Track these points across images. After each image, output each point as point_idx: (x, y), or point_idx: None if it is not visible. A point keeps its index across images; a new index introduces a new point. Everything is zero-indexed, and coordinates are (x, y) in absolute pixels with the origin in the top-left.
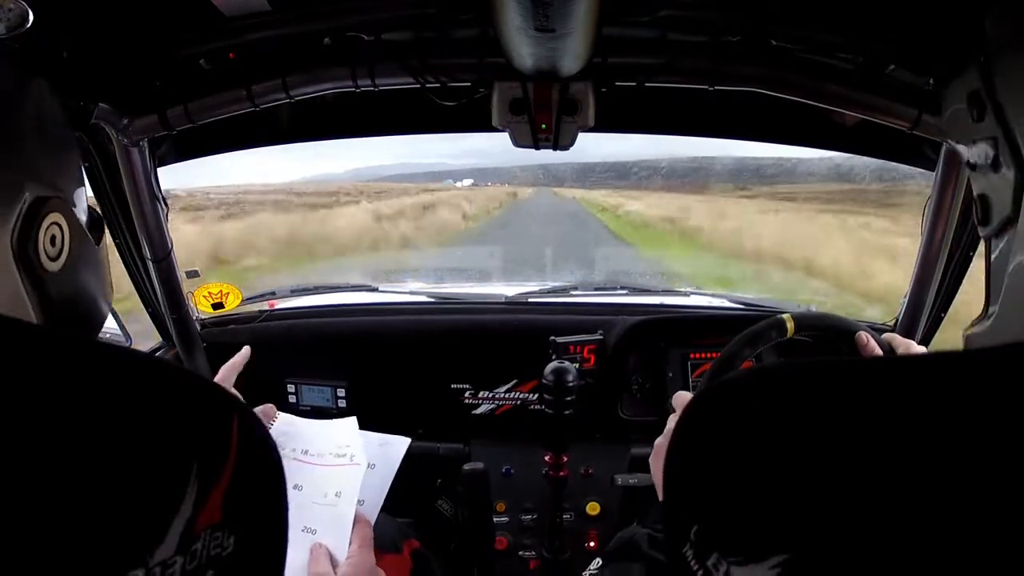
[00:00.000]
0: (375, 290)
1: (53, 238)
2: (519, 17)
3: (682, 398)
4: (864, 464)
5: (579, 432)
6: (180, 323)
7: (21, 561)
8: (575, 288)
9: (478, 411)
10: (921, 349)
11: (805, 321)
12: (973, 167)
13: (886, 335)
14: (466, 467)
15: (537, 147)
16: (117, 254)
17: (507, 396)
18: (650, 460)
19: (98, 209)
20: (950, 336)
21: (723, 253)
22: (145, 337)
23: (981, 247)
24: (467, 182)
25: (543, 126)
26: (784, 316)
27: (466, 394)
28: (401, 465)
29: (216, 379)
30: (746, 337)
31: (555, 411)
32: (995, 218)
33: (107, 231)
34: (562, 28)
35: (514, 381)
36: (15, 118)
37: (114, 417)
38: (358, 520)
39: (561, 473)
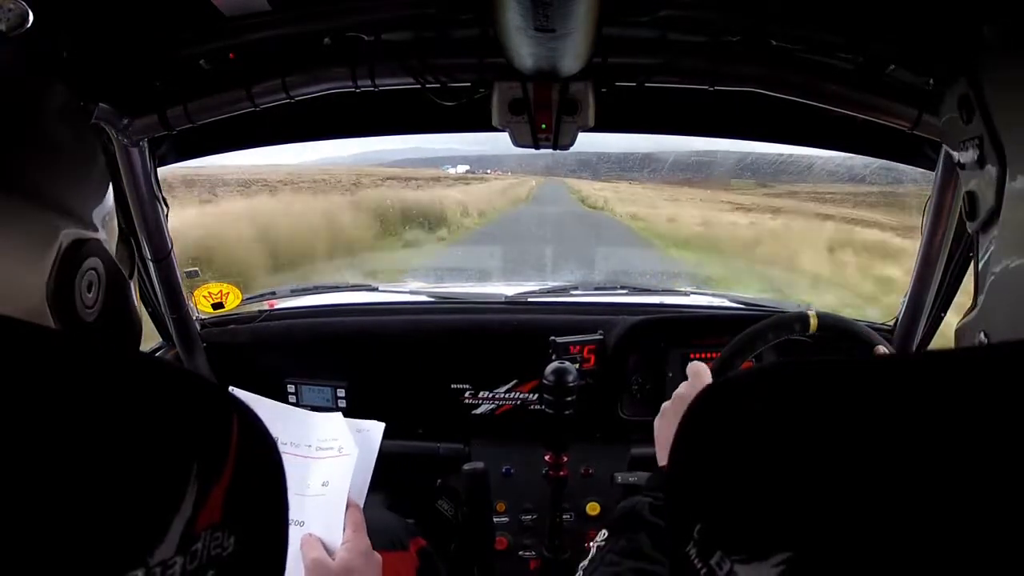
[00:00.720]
0: (375, 290)
1: (90, 284)
2: (519, 17)
3: (695, 367)
4: (867, 462)
5: (579, 432)
6: (180, 323)
7: (21, 561)
8: (575, 288)
9: (478, 411)
10: None
11: (828, 322)
12: (962, 166)
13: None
14: (466, 467)
15: (537, 147)
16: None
17: (507, 396)
18: (655, 423)
19: (126, 226)
20: (950, 336)
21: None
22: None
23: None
24: (461, 168)
25: (543, 126)
26: (810, 312)
27: (466, 394)
28: (401, 465)
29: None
30: (771, 322)
31: (555, 411)
32: (981, 211)
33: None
34: (562, 28)
35: (514, 381)
36: (50, 153)
37: (114, 417)
38: (348, 505)
39: (561, 473)
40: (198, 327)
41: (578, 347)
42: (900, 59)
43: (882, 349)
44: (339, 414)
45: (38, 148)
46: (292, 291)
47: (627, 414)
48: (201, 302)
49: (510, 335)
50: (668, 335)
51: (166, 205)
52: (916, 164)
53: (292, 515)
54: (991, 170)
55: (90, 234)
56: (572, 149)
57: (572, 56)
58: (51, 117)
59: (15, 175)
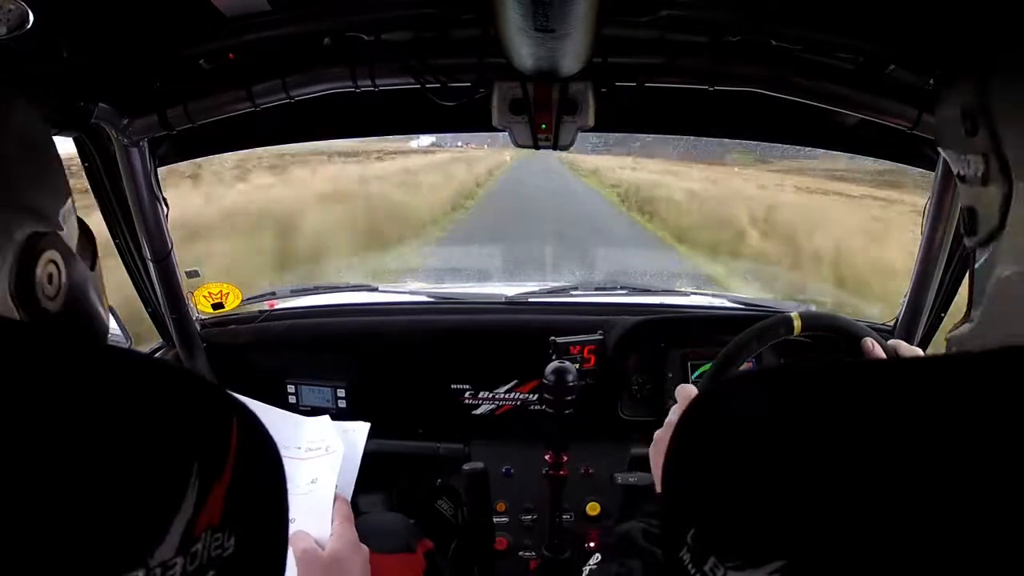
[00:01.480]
0: (375, 290)
1: (51, 276)
2: (519, 17)
3: (685, 391)
4: (863, 469)
5: (579, 432)
6: (180, 323)
7: (21, 561)
8: (575, 288)
9: (478, 411)
10: None
11: (812, 321)
12: (963, 179)
13: (892, 342)
14: (466, 467)
15: (537, 147)
16: (117, 254)
17: (507, 396)
18: (649, 451)
19: (86, 225)
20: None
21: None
22: (145, 337)
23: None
24: (425, 141)
25: (543, 126)
26: (792, 314)
27: (466, 394)
28: (401, 465)
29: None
30: (754, 331)
31: (555, 411)
32: (981, 230)
33: (98, 249)
34: (562, 28)
35: (514, 381)
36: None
37: (114, 418)
38: (336, 499)
39: (561, 473)
40: (198, 327)
41: (578, 347)
42: (900, 59)
43: (870, 342)
44: (327, 417)
45: None
46: (292, 291)
47: (627, 414)
48: (201, 302)
49: (510, 335)
50: (668, 335)
51: (166, 205)
52: (916, 164)
53: None
54: (995, 188)
55: (46, 228)
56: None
57: (572, 56)
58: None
59: None
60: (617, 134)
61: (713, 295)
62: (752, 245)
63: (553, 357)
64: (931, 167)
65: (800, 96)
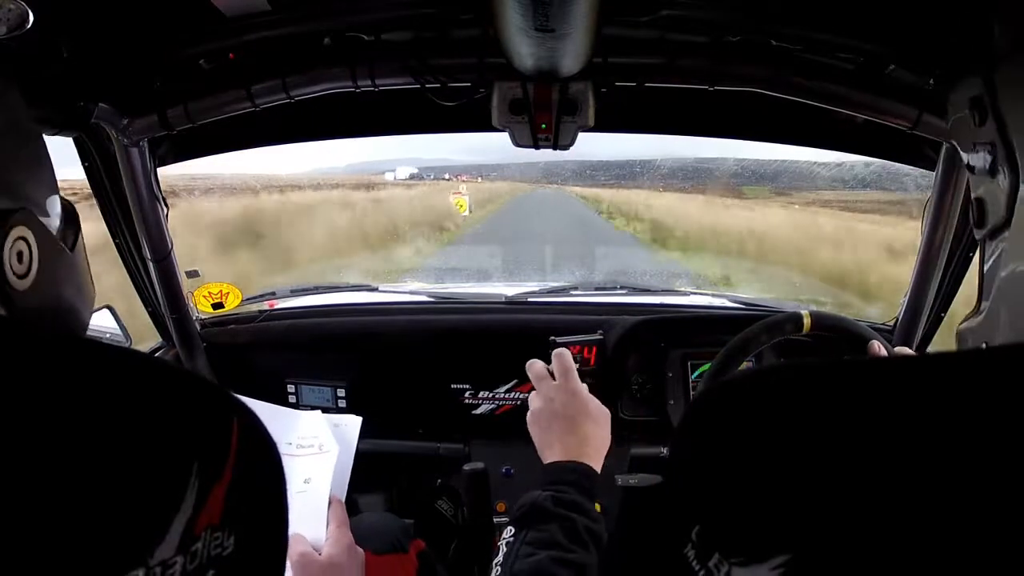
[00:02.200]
0: (375, 290)
1: (20, 254)
2: (519, 17)
3: (535, 367)
4: (867, 464)
5: None
6: (180, 323)
7: (21, 561)
8: (575, 288)
9: (478, 411)
10: None
11: (822, 320)
12: (972, 170)
13: (899, 348)
14: (466, 467)
15: (537, 147)
16: (117, 254)
17: (507, 396)
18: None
19: (72, 205)
20: (949, 336)
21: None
22: (145, 337)
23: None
24: (404, 173)
25: (543, 126)
26: (803, 312)
27: (466, 394)
28: (401, 465)
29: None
30: (764, 325)
31: None
32: (990, 221)
33: (82, 235)
34: (562, 28)
35: (514, 381)
36: None
37: (114, 418)
38: (331, 501)
39: None
40: (198, 327)
41: (578, 347)
42: (900, 59)
43: (876, 345)
44: (318, 412)
45: None
46: (292, 291)
47: (627, 414)
48: (201, 302)
49: (510, 335)
50: (668, 335)
51: (166, 205)
52: (916, 164)
53: None
54: (1003, 178)
55: (16, 205)
56: (573, 155)
57: (572, 56)
58: None
59: None
60: (627, 169)
61: (713, 295)
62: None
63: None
64: (931, 167)
65: (800, 96)
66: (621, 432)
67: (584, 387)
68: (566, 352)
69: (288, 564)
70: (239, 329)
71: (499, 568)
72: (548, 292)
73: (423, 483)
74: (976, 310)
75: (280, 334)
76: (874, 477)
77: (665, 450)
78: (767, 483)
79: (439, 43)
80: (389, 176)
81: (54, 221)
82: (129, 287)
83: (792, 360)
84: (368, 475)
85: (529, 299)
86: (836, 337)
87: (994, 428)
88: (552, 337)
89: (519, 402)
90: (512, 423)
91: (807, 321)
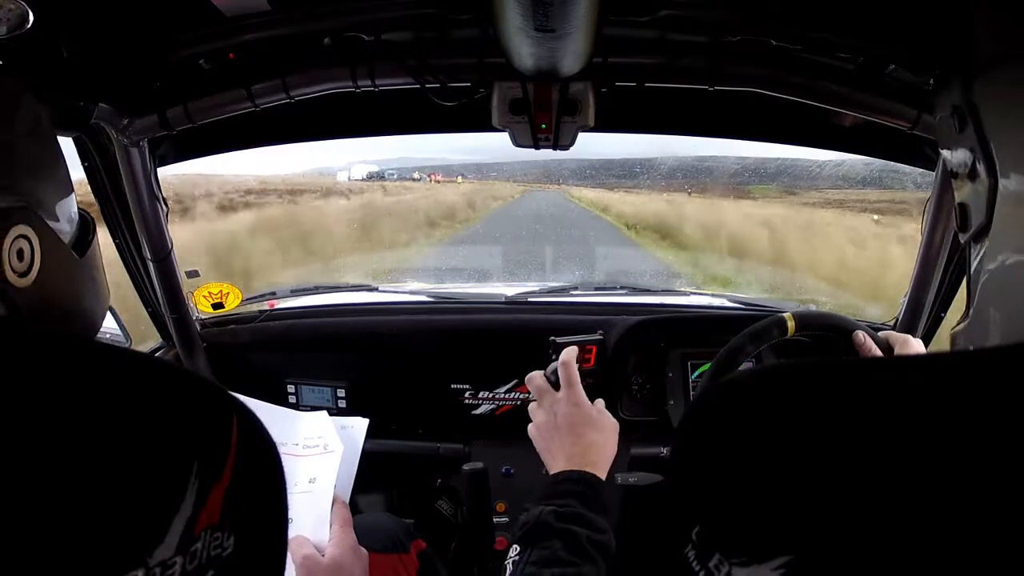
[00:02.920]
0: (375, 290)
1: (20, 252)
2: (519, 17)
3: (535, 381)
4: (867, 464)
5: None
6: (180, 323)
7: (22, 561)
8: (575, 288)
9: (478, 411)
10: (919, 343)
11: (806, 320)
12: (955, 175)
13: (883, 332)
14: (466, 467)
15: (537, 147)
16: (117, 254)
17: (507, 396)
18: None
19: (89, 216)
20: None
21: None
22: (145, 337)
23: None
24: (359, 172)
25: (543, 126)
26: (785, 315)
27: (466, 394)
28: (401, 465)
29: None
30: (748, 334)
31: None
32: (972, 224)
33: (98, 236)
34: (562, 28)
35: (514, 381)
36: None
37: (114, 417)
38: (335, 502)
39: None
40: (198, 327)
41: (578, 347)
42: (900, 59)
43: (862, 335)
44: (324, 412)
45: None
46: (292, 291)
47: (627, 414)
48: (201, 302)
49: (510, 335)
50: (668, 335)
51: (166, 205)
52: (916, 164)
53: None
54: (982, 183)
55: (19, 203)
56: (571, 153)
57: (572, 56)
58: None
59: None
60: (627, 168)
61: (713, 295)
62: None
63: (553, 357)
64: (931, 167)
65: (800, 96)
66: (621, 432)
67: (589, 402)
68: (573, 363)
69: (292, 567)
70: (239, 329)
71: None
72: (548, 292)
73: (423, 483)
74: (966, 314)
75: (280, 334)
76: (874, 477)
77: (665, 450)
78: (767, 483)
79: (439, 43)
80: (343, 177)
81: (64, 224)
82: (123, 288)
83: (791, 360)
84: (368, 475)
85: (529, 299)
86: (828, 335)
87: (993, 427)
88: (552, 337)
89: (519, 402)
90: (512, 423)
91: (791, 323)
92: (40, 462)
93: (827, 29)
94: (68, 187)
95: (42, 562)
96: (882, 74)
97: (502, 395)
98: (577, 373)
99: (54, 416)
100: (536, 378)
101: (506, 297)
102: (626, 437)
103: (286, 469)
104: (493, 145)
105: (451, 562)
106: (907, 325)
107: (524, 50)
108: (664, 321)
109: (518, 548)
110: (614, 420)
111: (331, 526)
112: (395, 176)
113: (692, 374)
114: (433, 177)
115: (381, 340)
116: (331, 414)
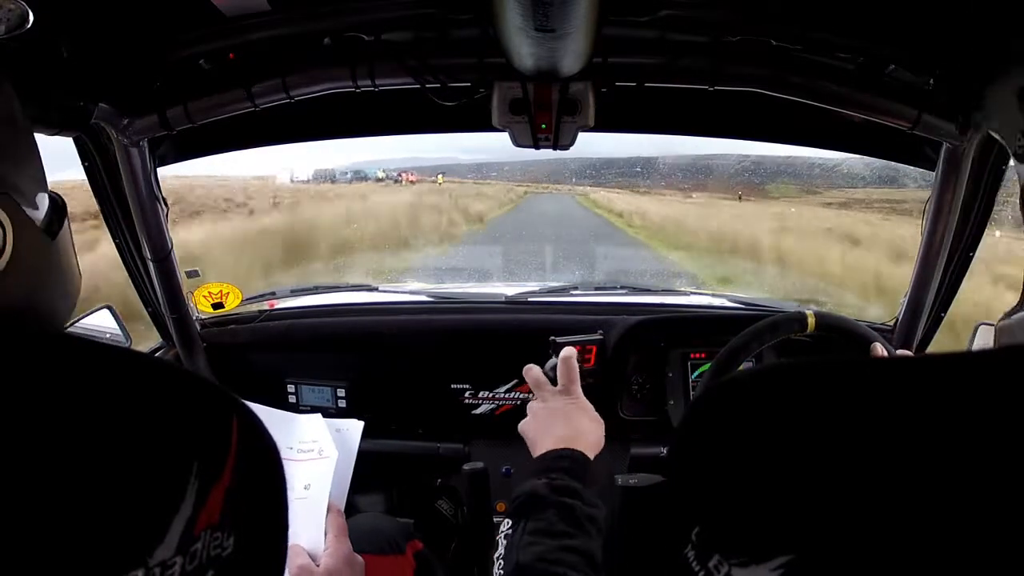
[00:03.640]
0: (375, 290)
1: None
2: (519, 17)
3: (532, 372)
4: (866, 464)
5: None
6: (180, 323)
7: (22, 561)
8: (575, 288)
9: (478, 411)
10: None
11: (825, 320)
12: (1020, 158)
13: (900, 351)
14: (466, 467)
15: (537, 147)
16: (117, 254)
17: (507, 396)
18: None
19: (60, 198)
20: (950, 336)
21: None
22: (145, 337)
23: (981, 247)
24: (303, 173)
25: (543, 126)
26: (807, 312)
27: (466, 394)
28: (401, 465)
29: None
30: (769, 323)
31: None
32: None
33: (67, 226)
34: (562, 28)
35: (514, 381)
36: None
37: (114, 417)
38: (330, 510)
39: None
40: (198, 327)
41: (578, 347)
42: (900, 59)
43: (879, 347)
44: (319, 415)
45: None
46: (292, 291)
47: (627, 414)
48: (201, 302)
49: (510, 335)
50: (668, 335)
51: (166, 205)
52: (916, 164)
53: None
54: None
55: None
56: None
57: (572, 56)
58: None
59: None
60: (636, 173)
61: (713, 295)
62: None
63: (553, 357)
64: (931, 167)
65: (800, 96)
66: (621, 432)
67: (585, 398)
68: (574, 360)
69: None
70: (239, 329)
71: (501, 562)
72: (548, 292)
73: (423, 483)
74: (1019, 306)
75: (280, 334)
76: (875, 477)
77: (665, 450)
78: (767, 483)
79: (439, 43)
80: (285, 179)
81: (39, 213)
82: (129, 287)
83: (792, 360)
84: (368, 475)
85: (529, 299)
86: (837, 337)
87: (994, 428)
88: (552, 337)
89: (519, 402)
90: (512, 423)
91: (811, 321)
92: (40, 462)
93: (827, 29)
94: (40, 172)
95: (43, 562)
96: (882, 74)
97: (502, 395)
98: (577, 370)
99: (54, 416)
100: (533, 369)
101: (506, 297)
102: (626, 437)
103: None
104: (493, 145)
105: (451, 562)
106: (907, 325)
107: (524, 50)
108: (664, 321)
109: (510, 523)
110: (602, 420)
111: (326, 535)
112: (348, 176)
113: (692, 374)
114: (406, 177)
115: (381, 340)
116: (331, 414)
